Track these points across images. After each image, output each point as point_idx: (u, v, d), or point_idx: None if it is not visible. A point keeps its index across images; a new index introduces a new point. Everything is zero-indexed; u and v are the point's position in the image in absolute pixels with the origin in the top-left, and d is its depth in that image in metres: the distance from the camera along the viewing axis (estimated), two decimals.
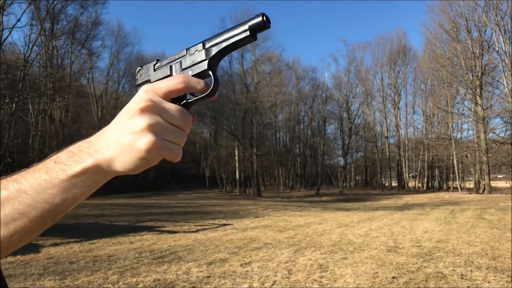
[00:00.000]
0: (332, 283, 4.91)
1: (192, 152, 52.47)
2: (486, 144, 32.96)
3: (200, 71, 0.57)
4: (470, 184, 41.51)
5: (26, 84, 25.68)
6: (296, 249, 7.16)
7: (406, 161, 47.94)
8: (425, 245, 7.48)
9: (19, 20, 24.60)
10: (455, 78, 36.14)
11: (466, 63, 34.54)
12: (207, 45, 0.56)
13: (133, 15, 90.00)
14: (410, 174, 50.26)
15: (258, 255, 6.56)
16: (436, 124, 44.86)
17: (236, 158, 41.91)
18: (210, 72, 0.56)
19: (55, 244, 7.47)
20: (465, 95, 36.87)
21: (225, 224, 11.38)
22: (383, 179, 50.61)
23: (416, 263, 5.88)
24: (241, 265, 5.84)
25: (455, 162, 36.71)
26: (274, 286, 4.76)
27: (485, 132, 33.56)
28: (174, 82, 0.53)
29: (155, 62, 0.62)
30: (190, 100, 0.56)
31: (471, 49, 34.17)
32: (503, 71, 31.34)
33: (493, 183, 37.27)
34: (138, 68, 0.63)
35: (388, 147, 49.35)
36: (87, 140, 0.53)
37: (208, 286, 4.75)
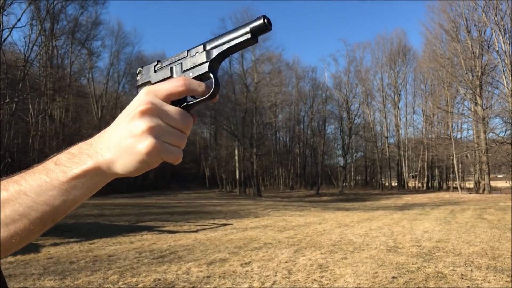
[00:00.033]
0: (332, 283, 4.91)
1: (192, 152, 52.48)
2: (486, 144, 32.97)
3: (201, 73, 0.56)
4: (470, 184, 41.53)
5: (26, 84, 25.68)
6: (296, 249, 7.16)
7: (406, 161, 47.96)
8: (425, 245, 7.48)
9: (19, 20, 24.64)
10: (455, 78, 36.16)
11: (466, 63, 34.55)
12: (208, 47, 0.56)
13: (133, 15, 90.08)
14: (410, 174, 50.28)
15: (258, 255, 6.56)
16: (436, 124, 44.89)
17: (236, 158, 41.91)
18: (211, 75, 0.56)
19: (55, 244, 7.47)
20: (465, 95, 36.88)
21: (225, 224, 11.38)
22: (383, 179, 50.63)
23: (416, 263, 5.88)
24: (241, 265, 5.85)
25: (455, 162, 36.72)
26: (274, 286, 4.76)
27: (485, 132, 33.57)
28: (175, 85, 0.53)
29: (155, 63, 0.61)
30: (191, 103, 0.56)
31: (471, 49, 34.18)
32: (503, 71, 31.36)
33: (493, 183, 37.29)
34: (139, 69, 0.63)
35: (388, 147, 49.36)
36: (87, 141, 0.53)
37: (208, 286, 4.75)
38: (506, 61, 30.66)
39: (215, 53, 0.56)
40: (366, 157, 54.01)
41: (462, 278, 5.03)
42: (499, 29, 31.11)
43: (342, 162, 51.66)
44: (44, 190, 0.50)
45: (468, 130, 41.90)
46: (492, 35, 32.64)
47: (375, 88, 51.34)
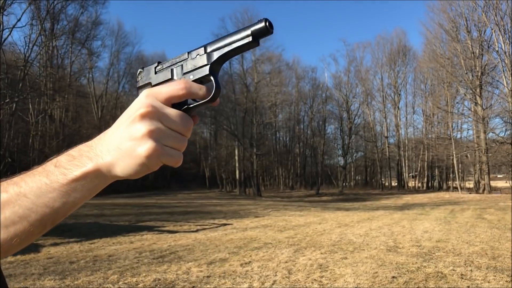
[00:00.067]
0: (332, 282, 4.91)
1: (192, 152, 52.49)
2: (486, 144, 32.97)
3: (201, 76, 0.56)
4: (470, 184, 41.53)
5: (26, 84, 25.67)
6: (296, 248, 7.16)
7: (406, 161, 47.96)
8: (425, 245, 7.48)
9: (19, 20, 24.64)
10: (455, 78, 36.16)
11: (466, 63, 34.55)
12: (209, 50, 0.56)
13: (133, 15, 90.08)
14: (410, 174, 50.29)
15: (258, 255, 6.56)
16: (436, 124, 44.89)
17: (236, 158, 41.92)
18: (212, 78, 0.56)
19: (55, 244, 7.47)
20: (465, 95, 36.89)
21: (225, 224, 11.38)
22: (383, 179, 50.63)
23: (416, 262, 5.88)
24: (241, 264, 5.85)
25: (455, 162, 36.72)
26: (274, 286, 4.76)
27: (485, 132, 33.58)
28: (176, 88, 0.53)
29: (156, 64, 0.61)
30: (191, 106, 0.56)
31: (471, 49, 34.18)
32: (503, 71, 31.36)
33: (493, 183, 37.30)
34: (139, 70, 0.63)
35: (388, 147, 49.36)
36: (87, 143, 0.53)
37: (208, 286, 4.75)
38: (506, 61, 30.67)
39: (215, 56, 0.55)
40: (366, 157, 54.02)
41: (462, 278, 5.03)
42: (499, 29, 31.12)
43: (342, 162, 51.69)
44: (44, 192, 0.50)
45: (468, 130, 41.97)
46: (492, 35, 32.67)
47: (375, 88, 51.42)
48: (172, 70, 0.59)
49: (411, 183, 49.52)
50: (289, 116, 51.63)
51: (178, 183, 48.99)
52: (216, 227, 10.75)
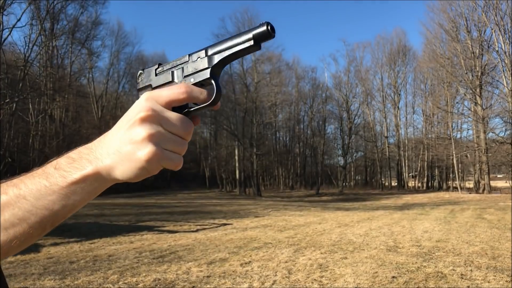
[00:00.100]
0: (332, 282, 4.91)
1: (192, 152, 52.50)
2: (486, 144, 32.97)
3: (202, 79, 0.56)
4: (470, 184, 41.54)
5: (26, 84, 25.66)
6: (296, 248, 7.16)
7: (406, 161, 47.97)
8: (425, 244, 7.48)
9: (19, 20, 24.61)
10: (455, 78, 36.16)
11: (466, 63, 34.55)
12: (210, 52, 0.56)
13: (133, 15, 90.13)
14: (410, 174, 50.30)
15: (258, 255, 6.56)
16: (436, 124, 44.90)
17: (236, 158, 41.92)
18: (213, 81, 0.55)
19: (55, 244, 7.47)
20: (465, 95, 36.89)
21: (225, 224, 11.39)
22: (383, 179, 50.63)
23: (416, 262, 5.89)
24: (241, 264, 5.85)
25: (454, 161, 36.72)
26: (274, 286, 4.76)
27: (484, 132, 33.58)
28: (177, 92, 0.53)
29: (156, 66, 0.61)
30: (192, 109, 0.56)
31: (471, 49, 34.18)
32: (503, 71, 31.36)
33: (493, 183, 37.30)
34: (140, 71, 0.63)
35: (388, 147, 49.37)
36: (87, 145, 0.53)
37: (208, 286, 4.75)
38: (506, 61, 30.67)
39: (216, 59, 0.55)
40: (366, 157, 54.02)
41: (462, 278, 5.03)
42: (499, 29, 31.11)
43: (342, 162, 51.71)
44: (43, 195, 0.50)
45: (468, 130, 41.98)
46: (492, 35, 32.67)
47: (375, 88, 51.44)
48: (172, 72, 0.59)
49: (411, 183, 49.53)
50: (289, 116, 51.66)
51: (178, 183, 48.99)
52: (216, 227, 10.75)
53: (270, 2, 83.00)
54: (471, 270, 5.43)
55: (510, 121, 31.60)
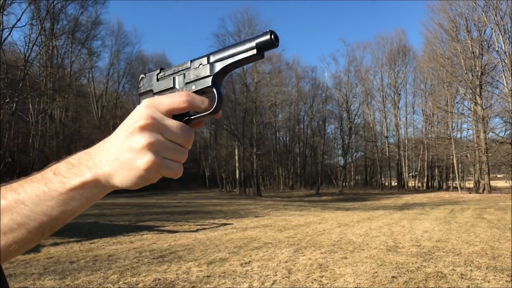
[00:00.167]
0: (332, 282, 4.91)
1: (192, 152, 52.44)
2: (486, 143, 32.96)
3: (203, 87, 0.55)
4: (470, 184, 41.53)
5: (26, 84, 25.66)
6: (296, 248, 7.16)
7: (406, 161, 47.97)
8: (424, 244, 7.48)
9: (19, 19, 24.60)
10: (455, 78, 36.15)
11: (466, 62, 34.55)
12: (212, 60, 0.55)
13: (133, 15, 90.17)
14: (410, 174, 50.31)
15: (258, 255, 6.56)
16: (436, 124, 44.88)
17: (236, 157, 41.93)
18: (214, 89, 0.55)
19: (55, 244, 7.47)
20: (465, 94, 36.88)
21: (225, 224, 11.39)
22: (383, 179, 50.64)
23: (416, 262, 5.89)
24: (241, 264, 5.85)
25: (454, 161, 36.71)
26: (274, 286, 4.77)
27: (484, 132, 33.57)
28: (178, 100, 0.52)
29: (158, 71, 0.61)
30: (193, 117, 0.55)
31: (471, 48, 34.18)
32: (503, 70, 31.35)
33: (493, 183, 37.30)
34: (141, 76, 0.62)
35: (388, 146, 49.38)
36: (87, 151, 0.53)
37: (208, 286, 4.75)
38: (506, 61, 30.66)
39: (218, 67, 0.55)
40: (366, 157, 54.03)
41: (462, 278, 5.03)
42: (499, 29, 31.11)
43: (342, 162, 51.72)
44: (42, 200, 0.49)
45: (468, 130, 41.98)
46: (492, 35, 32.66)
47: (375, 88, 51.45)
48: (174, 78, 0.58)
49: (411, 183, 49.54)
50: (289, 116, 51.68)
51: (178, 183, 48.94)
52: (216, 227, 10.76)
53: (270, 2, 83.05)
54: (471, 270, 5.43)
55: (510, 121, 31.60)
